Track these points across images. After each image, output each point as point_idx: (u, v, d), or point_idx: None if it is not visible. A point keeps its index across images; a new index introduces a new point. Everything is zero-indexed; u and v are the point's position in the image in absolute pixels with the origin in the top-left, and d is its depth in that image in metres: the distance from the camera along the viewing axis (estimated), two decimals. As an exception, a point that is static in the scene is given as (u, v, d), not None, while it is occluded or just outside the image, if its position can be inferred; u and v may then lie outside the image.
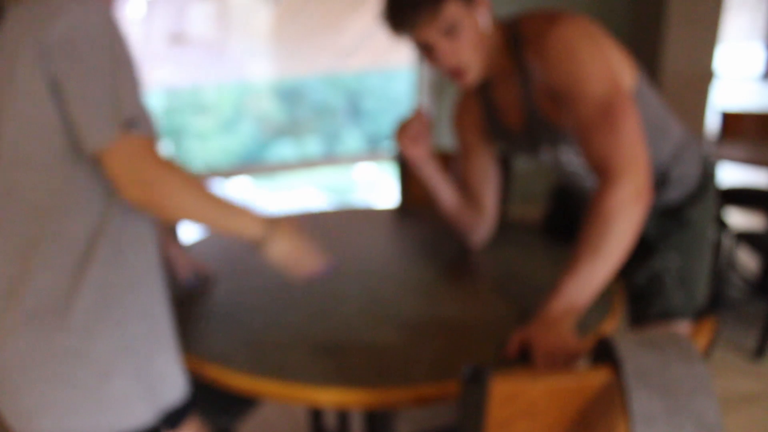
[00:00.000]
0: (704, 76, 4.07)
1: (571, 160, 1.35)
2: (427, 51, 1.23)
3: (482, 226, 1.50)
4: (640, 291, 1.40)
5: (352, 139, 3.93)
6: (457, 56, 1.21)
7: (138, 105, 0.90)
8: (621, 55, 1.26)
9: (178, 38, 3.31)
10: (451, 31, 1.18)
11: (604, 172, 1.09)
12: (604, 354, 0.80)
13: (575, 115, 1.15)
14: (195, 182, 0.92)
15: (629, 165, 1.07)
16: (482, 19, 1.22)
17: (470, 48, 1.21)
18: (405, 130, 1.36)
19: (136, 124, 0.88)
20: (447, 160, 1.93)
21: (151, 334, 0.97)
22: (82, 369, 0.89)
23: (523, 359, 0.97)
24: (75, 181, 0.90)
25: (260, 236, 1.00)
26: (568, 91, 1.15)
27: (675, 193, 1.40)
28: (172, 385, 0.98)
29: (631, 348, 0.77)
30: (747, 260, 3.32)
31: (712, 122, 3.73)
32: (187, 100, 3.85)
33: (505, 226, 1.74)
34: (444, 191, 1.44)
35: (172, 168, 0.90)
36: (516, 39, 1.25)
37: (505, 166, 2.00)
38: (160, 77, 3.45)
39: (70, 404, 0.89)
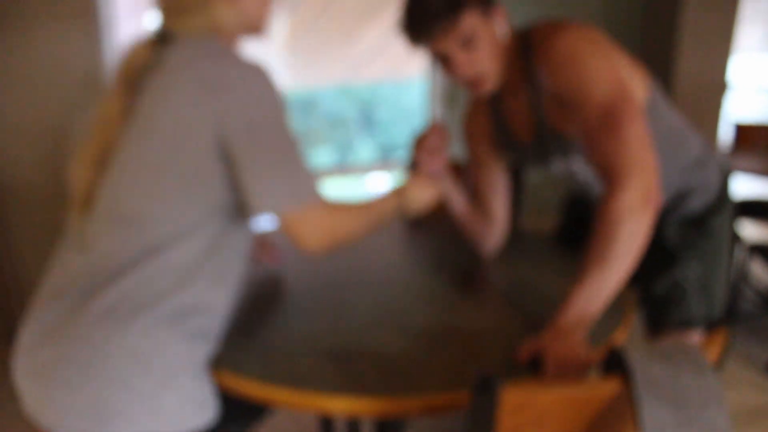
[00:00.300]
0: (718, 87, 4.06)
1: (583, 170, 1.35)
2: (444, 61, 1.24)
3: (493, 236, 1.52)
4: (660, 299, 1.40)
5: (364, 149, 3.94)
6: (474, 67, 1.22)
7: (307, 168, 0.98)
8: (631, 65, 1.26)
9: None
10: (468, 43, 1.19)
11: (609, 177, 1.08)
12: (615, 364, 0.80)
13: (581, 120, 1.15)
14: (352, 209, 1.07)
15: (635, 169, 1.06)
16: (499, 29, 1.23)
17: (487, 58, 1.22)
18: (423, 143, 1.37)
19: (311, 191, 0.97)
20: (459, 171, 1.94)
21: (210, 353, 1.00)
22: (144, 375, 0.90)
23: (534, 368, 0.97)
24: (201, 211, 0.96)
25: (402, 208, 1.19)
26: (573, 96, 1.15)
27: (696, 203, 1.40)
28: (212, 403, 0.99)
29: (641, 359, 0.77)
30: (760, 273, 3.29)
31: (725, 133, 3.71)
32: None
33: (518, 236, 1.74)
34: (457, 203, 1.46)
35: (339, 211, 1.03)
36: (526, 48, 1.26)
37: (516, 177, 2.00)
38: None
39: (121, 408, 0.89)
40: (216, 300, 1.01)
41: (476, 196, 1.51)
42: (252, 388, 0.95)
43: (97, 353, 0.90)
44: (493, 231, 1.51)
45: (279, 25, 3.44)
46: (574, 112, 1.16)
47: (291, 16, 3.46)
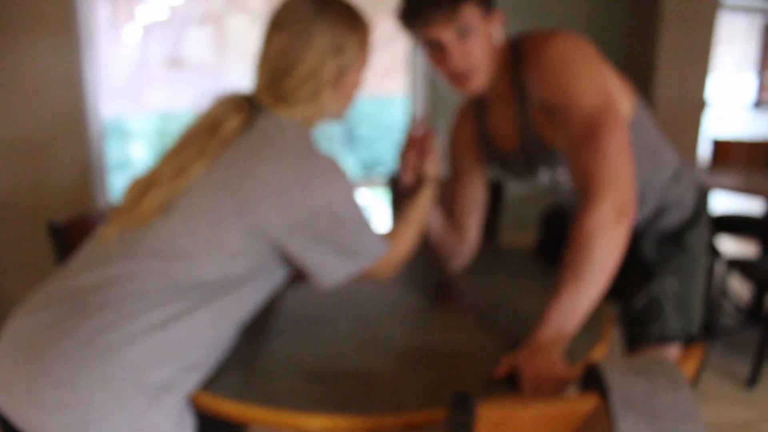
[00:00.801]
0: (696, 105, 4.12)
1: (568, 182, 1.36)
2: (436, 51, 1.22)
3: (462, 253, 1.50)
4: (637, 315, 1.40)
5: (346, 165, 3.95)
6: (467, 59, 1.20)
7: (371, 229, 1.06)
8: (617, 80, 1.26)
9: (175, 62, 3.33)
10: (465, 33, 1.18)
11: (585, 191, 1.07)
12: (592, 380, 0.80)
13: (566, 129, 1.15)
14: (405, 230, 1.19)
15: (611, 184, 1.05)
16: (496, 33, 1.23)
17: (481, 53, 1.21)
18: (410, 143, 1.31)
19: (376, 250, 1.06)
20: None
21: (201, 380, 0.99)
22: (137, 389, 0.89)
23: (512, 385, 0.97)
24: (240, 270, 0.99)
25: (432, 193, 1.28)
26: (560, 105, 1.15)
27: (673, 218, 1.41)
28: (190, 422, 0.98)
29: (618, 375, 0.77)
30: (739, 288, 3.32)
31: (704, 150, 3.76)
32: (184, 124, 3.85)
33: (497, 252, 1.75)
34: (433, 219, 1.44)
35: (397, 240, 1.15)
36: (516, 58, 1.26)
37: (496, 192, 2.01)
38: (157, 101, 3.48)
39: (106, 414, 0.88)
40: (220, 339, 1.01)
41: (452, 209, 1.49)
42: (229, 407, 0.94)
43: (98, 355, 0.88)
44: (463, 248, 1.49)
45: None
46: (561, 120, 1.16)
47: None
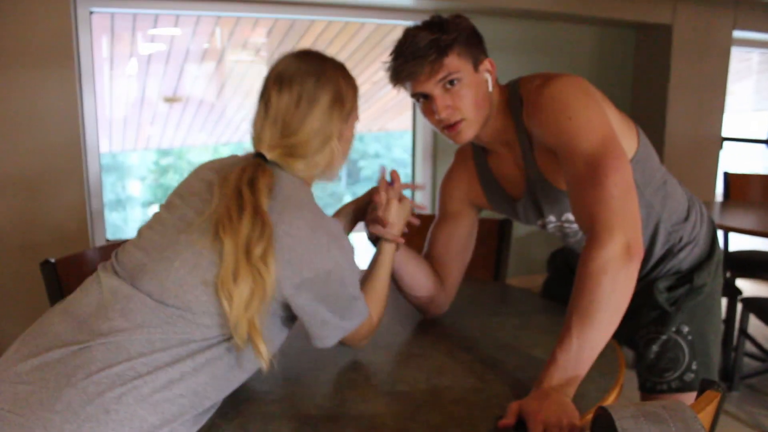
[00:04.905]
0: (712, 141, 4.09)
1: (576, 226, 1.33)
2: (426, 102, 1.22)
3: (443, 298, 1.44)
4: (653, 362, 1.36)
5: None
6: (454, 110, 1.20)
7: (359, 295, 1.11)
8: (621, 117, 1.26)
9: (173, 98, 3.35)
10: (451, 85, 1.18)
11: (591, 231, 1.05)
12: (603, 426, 0.76)
13: (568, 171, 1.13)
14: (377, 292, 1.23)
15: (617, 221, 1.03)
16: (486, 80, 1.23)
17: (470, 105, 1.20)
18: (377, 197, 1.27)
19: (362, 315, 1.11)
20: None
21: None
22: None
23: (521, 430, 0.93)
24: None
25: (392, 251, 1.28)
26: (561, 146, 1.14)
27: (686, 257, 1.38)
28: None
29: (630, 420, 0.74)
30: (761, 329, 3.12)
31: (719, 186, 3.69)
32: (181, 159, 3.86)
33: (503, 292, 1.72)
34: (399, 265, 1.35)
35: (373, 304, 1.20)
36: (516, 103, 1.25)
37: (503, 229, 1.98)
38: (156, 136, 3.49)
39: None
40: (219, 393, 0.98)
41: (431, 254, 1.44)
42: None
43: (98, 397, 0.84)
44: (444, 293, 1.43)
45: (261, 77, 3.48)
46: (563, 161, 1.15)
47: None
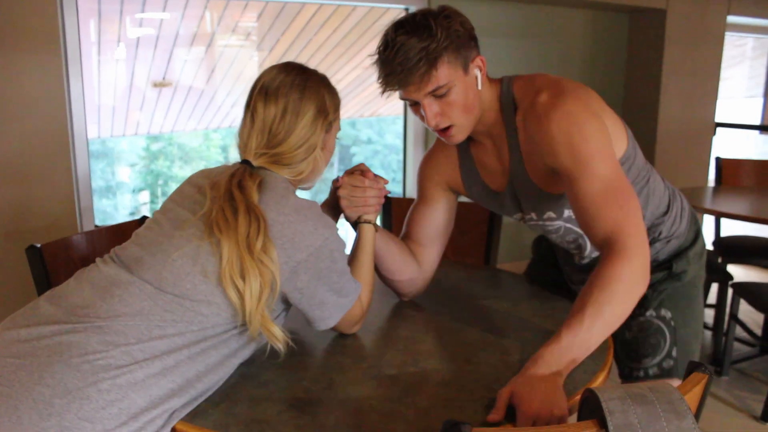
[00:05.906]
0: (705, 126, 4.09)
1: (557, 225, 1.34)
2: (417, 107, 1.22)
3: (420, 281, 1.44)
4: (631, 345, 1.36)
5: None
6: (444, 118, 1.20)
7: (351, 277, 1.16)
8: (614, 120, 1.26)
9: (162, 83, 3.32)
10: (441, 94, 1.17)
11: (612, 246, 1.09)
12: (590, 407, 0.76)
13: (578, 190, 1.14)
14: (365, 274, 1.26)
15: (641, 243, 1.09)
16: (477, 78, 1.21)
17: (460, 111, 1.20)
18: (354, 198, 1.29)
19: (354, 295, 1.16)
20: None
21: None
22: (118, 412, 0.86)
23: (510, 418, 0.93)
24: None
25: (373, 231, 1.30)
26: (572, 167, 1.15)
27: (663, 248, 1.39)
28: None
29: (617, 401, 0.73)
30: (752, 314, 3.12)
31: (711, 172, 3.69)
32: (172, 145, 3.84)
33: (494, 278, 1.72)
34: (379, 246, 1.35)
35: (364, 287, 1.23)
36: (508, 103, 1.25)
37: (493, 215, 1.98)
38: (144, 122, 3.46)
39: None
40: (211, 380, 1.00)
41: (409, 235, 1.44)
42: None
43: (84, 379, 0.86)
44: (421, 275, 1.43)
45: (253, 63, 3.44)
46: (573, 179, 1.15)
47: (266, 57, 3.47)
